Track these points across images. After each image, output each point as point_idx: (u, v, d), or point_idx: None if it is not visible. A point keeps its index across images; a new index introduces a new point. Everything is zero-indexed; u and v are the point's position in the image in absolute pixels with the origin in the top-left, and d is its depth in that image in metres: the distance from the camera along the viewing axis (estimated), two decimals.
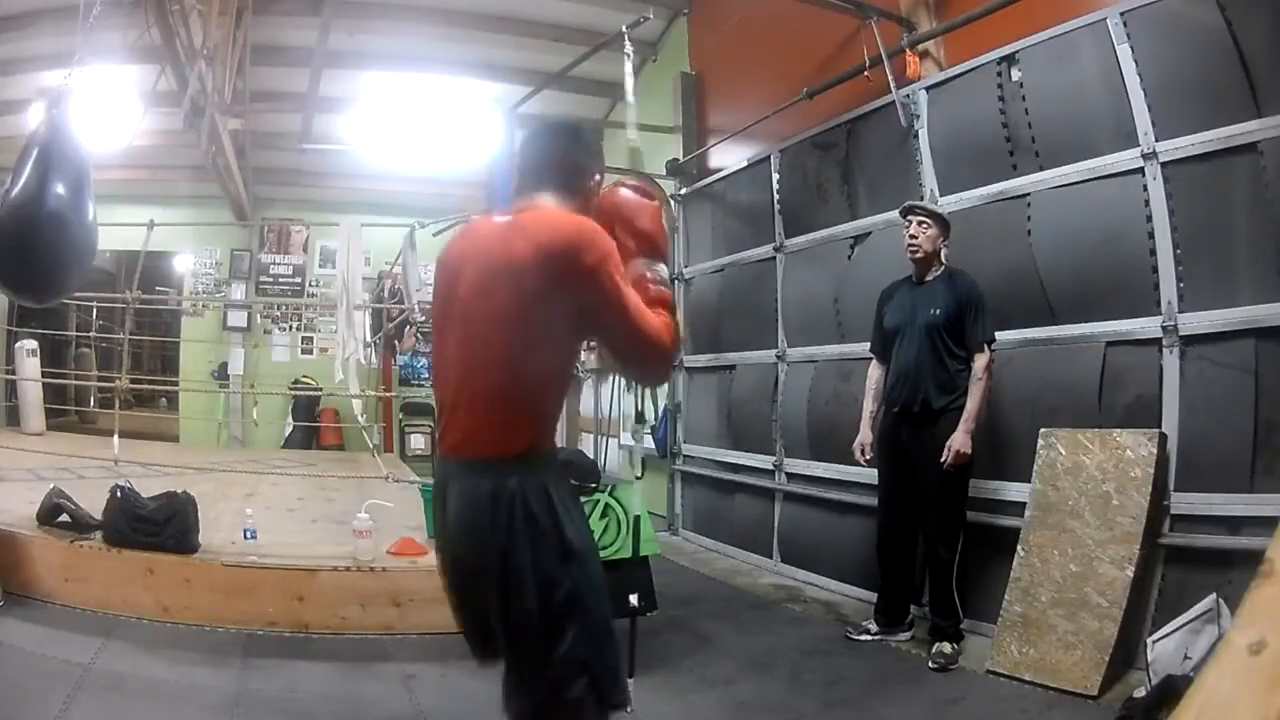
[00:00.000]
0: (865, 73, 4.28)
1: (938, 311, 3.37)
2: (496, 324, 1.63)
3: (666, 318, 1.68)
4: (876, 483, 3.70)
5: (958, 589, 3.33)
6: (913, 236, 3.47)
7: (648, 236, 1.75)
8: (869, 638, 3.58)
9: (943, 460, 3.25)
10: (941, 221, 3.48)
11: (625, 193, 1.82)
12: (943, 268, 3.50)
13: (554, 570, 1.60)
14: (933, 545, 3.44)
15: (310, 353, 9.58)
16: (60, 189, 3.05)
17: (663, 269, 1.78)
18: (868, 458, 3.64)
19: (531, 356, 1.63)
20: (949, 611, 3.34)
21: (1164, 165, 3.09)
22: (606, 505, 3.96)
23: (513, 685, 1.64)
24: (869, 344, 3.79)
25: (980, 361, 3.31)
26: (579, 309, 1.60)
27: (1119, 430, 3.11)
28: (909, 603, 3.63)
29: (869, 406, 3.67)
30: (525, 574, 1.58)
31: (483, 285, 1.66)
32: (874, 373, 3.69)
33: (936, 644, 3.30)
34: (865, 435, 3.65)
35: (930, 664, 3.23)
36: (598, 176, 1.84)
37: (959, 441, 3.25)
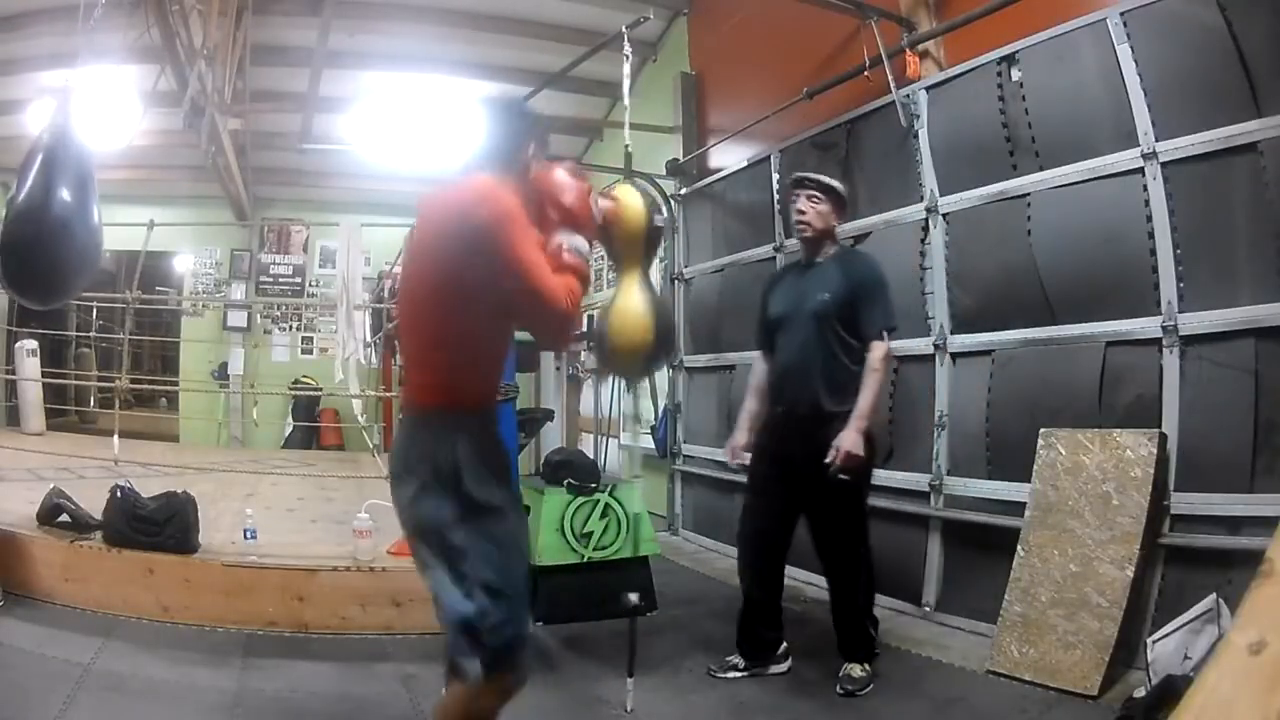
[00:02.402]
0: (865, 73, 4.28)
1: (827, 297, 2.96)
2: (420, 286, 1.85)
3: (573, 284, 1.80)
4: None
5: (868, 618, 3.07)
6: (800, 212, 3.05)
7: (569, 211, 1.88)
8: (736, 675, 3.12)
9: (828, 460, 2.79)
10: (836, 196, 3.08)
11: (556, 173, 1.94)
12: (835, 247, 3.13)
13: (448, 520, 1.74)
14: (833, 577, 3.09)
15: (310, 353, 9.59)
16: (65, 193, 3.07)
17: (580, 242, 1.89)
18: (737, 461, 3.24)
19: (449, 316, 1.79)
20: (862, 639, 3.04)
21: (1164, 165, 3.09)
22: (606, 505, 3.96)
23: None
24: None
25: (877, 352, 2.90)
26: (483, 265, 1.71)
27: (1119, 430, 3.11)
28: (780, 629, 3.22)
29: (749, 405, 3.28)
30: (425, 520, 1.77)
31: (415, 252, 1.89)
32: (758, 367, 3.28)
33: (846, 665, 3.00)
34: (738, 437, 3.24)
35: (838, 689, 2.94)
36: (532, 149, 1.96)
37: (848, 440, 2.79)
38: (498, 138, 1.94)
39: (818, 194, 3.06)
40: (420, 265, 1.86)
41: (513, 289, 1.74)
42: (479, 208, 1.73)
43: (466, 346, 1.82)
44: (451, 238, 1.75)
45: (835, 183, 3.12)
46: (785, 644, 3.22)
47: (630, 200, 2.60)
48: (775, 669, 3.17)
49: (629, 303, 2.62)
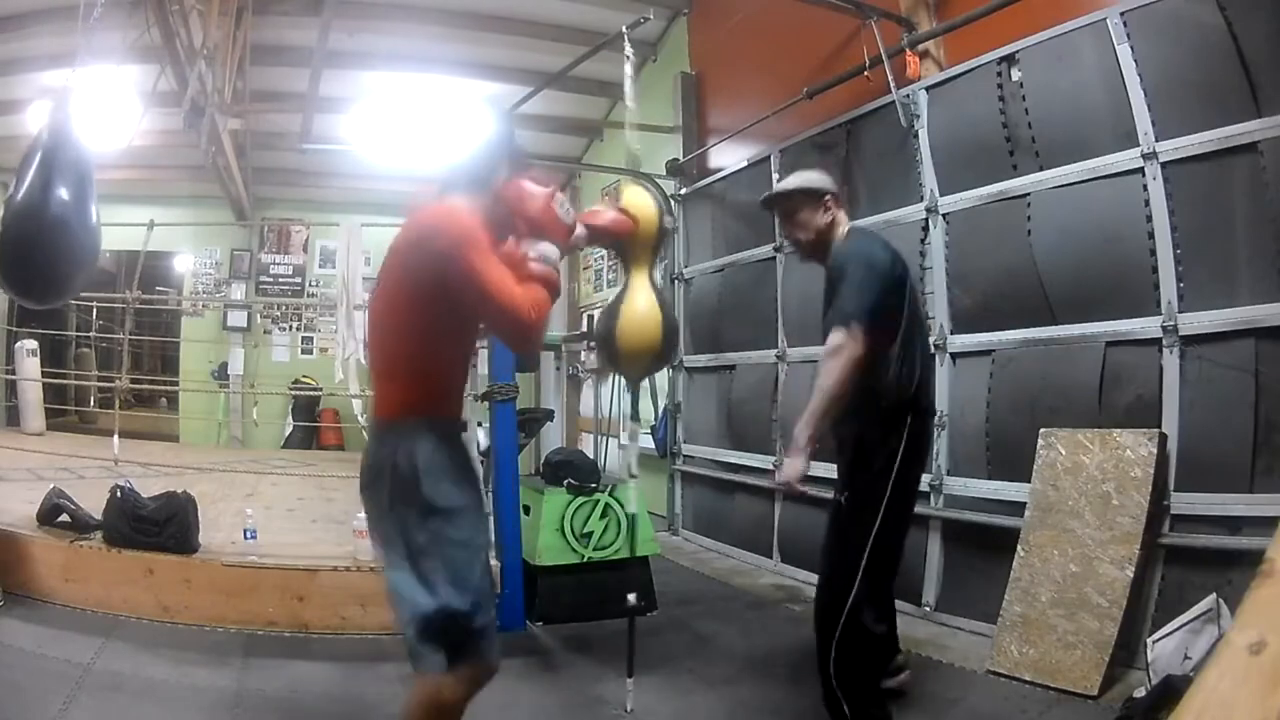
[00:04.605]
0: (865, 73, 4.29)
1: (826, 307, 2.67)
2: (383, 304, 1.95)
3: (537, 291, 1.88)
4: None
5: (839, 677, 2.49)
6: (784, 235, 2.84)
7: (534, 220, 1.97)
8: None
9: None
10: (804, 195, 2.72)
11: (522, 183, 2.02)
12: (836, 241, 2.73)
13: (411, 522, 1.83)
14: (817, 601, 2.66)
15: (310, 353, 9.57)
16: (63, 192, 3.07)
17: (549, 249, 1.96)
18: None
19: (409, 332, 1.90)
20: (833, 708, 2.52)
21: (1164, 165, 3.09)
22: (606, 505, 3.96)
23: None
24: None
25: (832, 339, 2.42)
26: (445, 286, 1.81)
27: (1119, 430, 3.11)
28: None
29: None
30: (390, 524, 1.87)
31: (382, 270, 1.98)
32: None
33: None
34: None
35: None
36: (506, 170, 2.04)
37: (787, 466, 2.46)
38: (473, 161, 2.01)
39: (786, 207, 2.80)
40: (383, 287, 1.97)
41: (477, 306, 1.84)
42: (436, 236, 1.82)
43: (424, 362, 1.92)
44: (411, 261, 1.86)
45: (798, 184, 2.77)
46: (901, 655, 2.97)
47: (644, 201, 2.60)
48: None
49: (637, 303, 2.62)
